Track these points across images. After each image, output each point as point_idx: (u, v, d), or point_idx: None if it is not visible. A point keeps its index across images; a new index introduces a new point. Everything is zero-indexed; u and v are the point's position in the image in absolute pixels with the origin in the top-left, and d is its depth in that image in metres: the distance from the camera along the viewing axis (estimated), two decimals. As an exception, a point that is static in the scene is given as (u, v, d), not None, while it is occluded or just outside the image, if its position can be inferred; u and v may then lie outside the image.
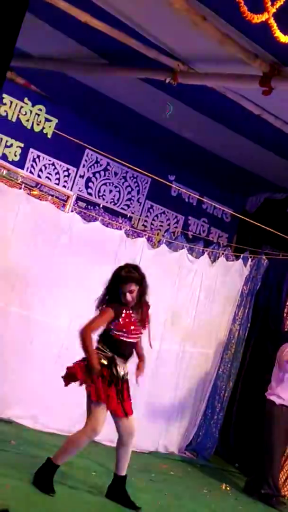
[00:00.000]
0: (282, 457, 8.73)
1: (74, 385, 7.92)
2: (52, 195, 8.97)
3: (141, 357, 6.62)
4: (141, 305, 6.44)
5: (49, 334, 8.24)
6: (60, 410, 8.19)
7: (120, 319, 6.32)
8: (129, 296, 6.32)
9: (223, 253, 9.80)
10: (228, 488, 8.58)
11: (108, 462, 7.04)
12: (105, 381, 6.21)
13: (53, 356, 8.23)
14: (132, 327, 6.38)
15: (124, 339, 6.35)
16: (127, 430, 6.39)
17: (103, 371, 6.21)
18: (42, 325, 8.21)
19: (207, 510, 7.39)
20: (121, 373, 6.30)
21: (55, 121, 9.44)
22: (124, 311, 6.36)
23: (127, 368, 6.39)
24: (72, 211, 8.88)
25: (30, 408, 8.14)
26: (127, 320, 6.35)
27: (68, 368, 6.38)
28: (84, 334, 6.19)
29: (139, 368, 6.55)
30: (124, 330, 6.33)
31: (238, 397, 10.34)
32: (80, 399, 7.75)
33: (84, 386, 6.27)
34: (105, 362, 6.24)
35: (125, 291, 6.32)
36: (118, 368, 6.28)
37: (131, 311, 6.40)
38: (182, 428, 9.56)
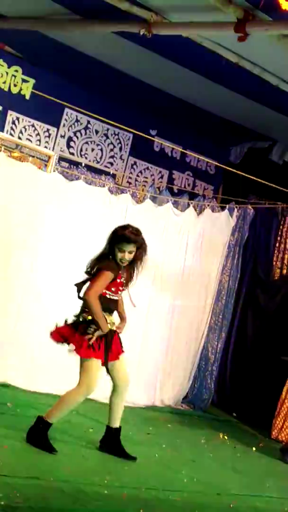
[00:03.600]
0: None
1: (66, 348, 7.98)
2: (33, 156, 8.88)
3: (123, 319, 6.61)
4: (132, 267, 6.40)
5: (39, 295, 8.23)
6: (56, 370, 8.21)
7: (117, 280, 6.30)
8: (127, 256, 6.26)
9: (208, 205, 9.77)
10: (226, 437, 8.66)
11: (104, 419, 7.08)
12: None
13: (44, 316, 8.23)
14: (120, 288, 6.37)
15: (111, 297, 6.33)
16: (121, 375, 6.45)
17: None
18: (30, 286, 8.20)
19: (206, 460, 7.46)
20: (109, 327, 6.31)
21: (32, 81, 9.34)
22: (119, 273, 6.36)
23: (113, 319, 6.40)
24: (54, 171, 8.81)
25: (25, 370, 8.15)
26: (118, 280, 6.34)
27: (58, 331, 6.37)
28: (93, 299, 6.14)
29: (119, 328, 6.52)
30: (113, 289, 6.32)
31: (232, 347, 10.41)
32: (75, 359, 7.79)
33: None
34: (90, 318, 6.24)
35: (125, 250, 6.25)
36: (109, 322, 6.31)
37: (121, 271, 6.38)
38: (177, 381, 9.62)
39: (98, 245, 8.41)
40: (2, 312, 8.08)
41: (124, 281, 6.41)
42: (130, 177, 10.61)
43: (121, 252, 6.25)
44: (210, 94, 9.31)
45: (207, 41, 7.27)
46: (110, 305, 6.35)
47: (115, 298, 6.38)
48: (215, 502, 6.02)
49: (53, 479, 5.39)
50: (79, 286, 6.32)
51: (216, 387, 9.98)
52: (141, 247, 6.33)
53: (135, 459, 6.47)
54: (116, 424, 6.55)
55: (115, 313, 6.50)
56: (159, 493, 5.78)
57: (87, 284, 6.29)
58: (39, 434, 6.13)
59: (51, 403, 7.66)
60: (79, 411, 7.70)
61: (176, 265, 9.38)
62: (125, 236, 6.25)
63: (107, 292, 6.29)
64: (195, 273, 9.56)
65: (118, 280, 6.32)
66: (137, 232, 6.33)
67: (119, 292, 6.41)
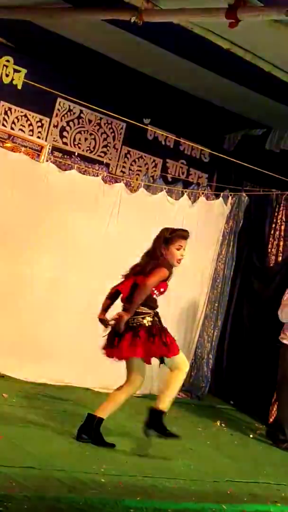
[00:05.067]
0: None
1: (63, 336, 8.01)
2: (26, 147, 8.86)
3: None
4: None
5: (32, 286, 8.22)
6: (51, 361, 8.23)
7: (167, 282, 6.40)
8: (179, 254, 6.38)
9: (202, 193, 9.76)
10: (223, 425, 8.68)
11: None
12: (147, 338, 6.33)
13: (39, 307, 8.23)
14: (166, 289, 6.48)
15: (156, 297, 6.44)
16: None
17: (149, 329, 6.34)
18: (24, 276, 8.18)
19: (203, 447, 7.47)
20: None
21: (24, 71, 9.29)
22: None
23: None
24: (47, 161, 8.78)
25: (21, 361, 8.15)
26: (167, 282, 6.44)
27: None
28: (147, 291, 6.23)
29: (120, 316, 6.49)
30: (162, 290, 6.44)
31: (228, 335, 10.41)
32: (71, 348, 7.85)
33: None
34: (150, 319, 6.35)
35: (179, 248, 6.37)
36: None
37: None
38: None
39: (92, 235, 8.46)
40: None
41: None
42: (123, 166, 10.58)
43: (179, 250, 6.36)
44: (203, 82, 9.29)
45: (198, 27, 7.24)
46: (153, 304, 6.43)
47: (156, 298, 6.44)
48: (212, 489, 6.02)
49: (49, 468, 5.38)
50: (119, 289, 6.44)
51: (212, 375, 9.97)
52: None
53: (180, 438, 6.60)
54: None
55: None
56: (156, 481, 5.78)
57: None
58: (95, 431, 6.26)
59: (47, 392, 7.73)
60: (75, 400, 7.73)
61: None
62: (183, 234, 6.42)
63: (155, 291, 6.37)
64: (189, 261, 9.51)
65: (167, 282, 6.40)
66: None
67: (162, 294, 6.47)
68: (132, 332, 6.26)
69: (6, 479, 4.79)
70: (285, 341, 8.63)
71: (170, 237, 6.40)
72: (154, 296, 6.39)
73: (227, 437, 8.24)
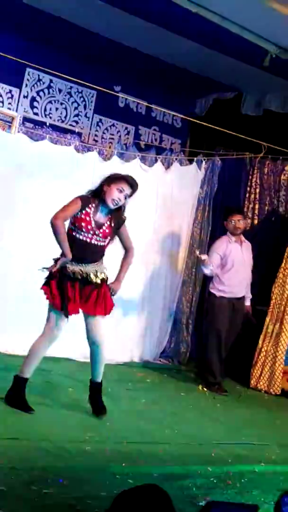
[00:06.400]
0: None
1: (43, 308, 7.99)
2: (-4, 118, 8.79)
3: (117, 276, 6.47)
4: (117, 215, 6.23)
5: (8, 258, 8.19)
6: (33, 332, 8.21)
7: (83, 212, 6.10)
8: (116, 196, 6.11)
9: (176, 159, 9.73)
10: (205, 389, 8.72)
11: (83, 378, 7.10)
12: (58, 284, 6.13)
13: (16, 280, 8.21)
14: (89, 227, 6.13)
15: (83, 238, 6.14)
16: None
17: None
18: (1, 249, 8.15)
19: (186, 412, 7.52)
20: (75, 272, 6.14)
21: (-10, 42, 9.17)
22: (91, 205, 6.16)
23: (87, 270, 6.18)
24: (18, 132, 8.70)
25: (1, 334, 8.14)
26: (87, 218, 6.13)
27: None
28: (53, 222, 6.01)
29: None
30: (79, 226, 6.14)
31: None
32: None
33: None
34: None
35: (120, 191, 6.13)
36: (69, 268, 6.12)
37: (99, 212, 6.18)
38: (154, 336, 9.67)
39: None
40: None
41: (103, 228, 6.19)
42: (96, 135, 10.52)
43: (120, 193, 6.15)
44: (172, 46, 9.18)
45: (165, -9, 7.18)
46: (78, 248, 6.16)
47: (86, 240, 6.18)
48: (197, 452, 6.07)
49: (34, 439, 5.41)
50: None
51: (192, 340, 10.01)
52: (132, 193, 6.29)
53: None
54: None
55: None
56: (141, 446, 5.82)
57: None
58: (17, 393, 6.15)
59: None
60: (58, 371, 7.74)
61: (147, 221, 9.32)
62: (127, 178, 6.26)
63: (76, 230, 6.15)
64: (165, 228, 9.55)
65: (87, 218, 6.15)
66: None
67: (92, 235, 6.17)
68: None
69: (-9, 451, 4.82)
70: (212, 291, 8.86)
71: (115, 177, 6.23)
72: (79, 237, 6.14)
73: (209, 401, 8.29)
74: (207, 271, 8.81)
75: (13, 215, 8.21)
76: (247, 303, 9.08)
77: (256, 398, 8.83)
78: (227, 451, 6.19)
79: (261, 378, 9.22)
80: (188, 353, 9.93)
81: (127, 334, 9.23)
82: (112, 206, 6.16)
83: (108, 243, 6.29)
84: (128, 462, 5.28)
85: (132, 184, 6.21)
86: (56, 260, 6.12)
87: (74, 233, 6.14)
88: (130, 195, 6.23)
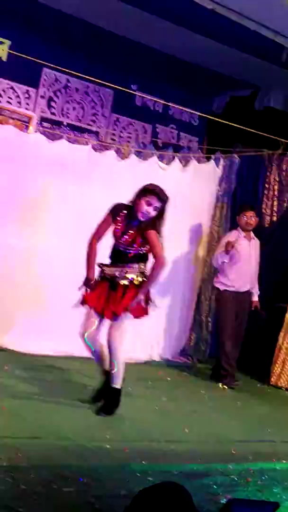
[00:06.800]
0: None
1: (62, 306, 8.03)
2: (14, 118, 8.80)
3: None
4: (152, 225, 6.34)
5: (28, 258, 8.21)
6: (52, 332, 8.25)
7: (115, 220, 6.34)
8: (146, 207, 6.24)
9: (194, 157, 9.70)
10: (225, 387, 8.70)
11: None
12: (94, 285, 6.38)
13: (38, 281, 8.23)
14: (118, 234, 6.35)
15: (116, 247, 6.39)
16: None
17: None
18: (21, 250, 8.16)
19: (206, 410, 7.49)
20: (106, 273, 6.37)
21: (7, 42, 9.23)
22: (122, 213, 6.35)
23: (119, 272, 6.35)
24: (36, 132, 8.71)
25: (21, 334, 8.16)
26: (118, 225, 6.34)
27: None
28: (87, 243, 6.40)
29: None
30: (112, 232, 6.38)
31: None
32: (71, 319, 7.81)
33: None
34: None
35: (148, 204, 6.25)
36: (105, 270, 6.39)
37: (128, 221, 6.35)
38: (173, 334, 9.65)
39: (85, 203, 8.42)
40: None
41: (135, 236, 6.36)
42: (113, 134, 10.54)
43: (148, 206, 6.26)
44: (189, 44, 9.21)
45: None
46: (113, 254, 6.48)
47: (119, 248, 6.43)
48: (217, 450, 6.06)
49: (54, 437, 5.42)
50: None
51: (213, 337, 9.99)
52: (163, 204, 6.40)
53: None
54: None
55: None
56: (161, 445, 5.82)
57: None
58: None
59: (48, 363, 7.75)
60: (78, 369, 7.76)
61: (166, 219, 9.29)
62: (145, 188, 6.36)
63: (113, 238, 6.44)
64: (185, 225, 9.53)
65: (120, 225, 6.38)
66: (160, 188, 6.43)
67: (125, 242, 6.40)
68: None
69: (12, 450, 4.82)
70: (217, 285, 9.00)
71: (144, 190, 6.33)
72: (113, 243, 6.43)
73: (230, 399, 8.27)
74: (225, 259, 8.83)
75: (32, 215, 8.21)
76: (255, 298, 9.11)
77: (276, 395, 8.80)
78: (248, 449, 6.17)
79: (282, 375, 9.19)
80: (208, 350, 9.91)
81: (146, 333, 9.21)
82: (141, 218, 6.30)
83: (138, 250, 6.38)
84: (148, 460, 5.27)
85: (162, 197, 6.31)
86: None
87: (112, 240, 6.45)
88: (161, 208, 6.32)
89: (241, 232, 8.97)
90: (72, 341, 8.27)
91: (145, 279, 6.36)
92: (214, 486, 4.95)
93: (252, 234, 9.04)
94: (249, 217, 8.94)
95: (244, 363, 9.67)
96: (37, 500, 4.13)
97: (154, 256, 6.42)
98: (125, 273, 6.34)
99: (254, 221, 8.99)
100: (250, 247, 8.99)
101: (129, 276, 6.34)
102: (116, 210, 6.39)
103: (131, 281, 6.33)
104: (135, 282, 6.35)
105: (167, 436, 6.10)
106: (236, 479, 5.22)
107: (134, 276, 6.35)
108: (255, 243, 9.09)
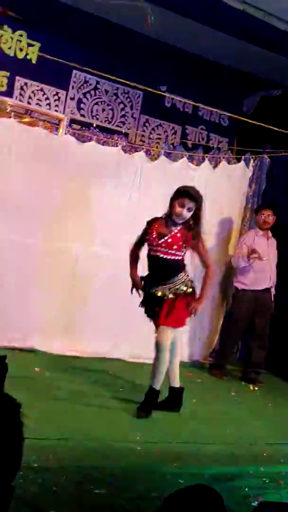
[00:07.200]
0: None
1: (92, 308, 8.04)
2: (44, 121, 8.82)
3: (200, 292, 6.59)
4: (191, 226, 6.36)
5: (58, 259, 8.22)
6: (81, 333, 8.26)
7: (152, 229, 6.37)
8: (179, 209, 6.24)
9: (224, 158, 9.67)
10: (256, 389, 8.67)
11: (133, 378, 7.12)
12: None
13: (63, 281, 8.24)
14: (153, 238, 6.35)
15: (153, 253, 6.39)
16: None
17: None
18: (48, 251, 8.17)
19: (237, 412, 7.47)
20: (153, 291, 6.39)
21: (37, 45, 9.19)
22: (158, 221, 6.39)
23: (164, 288, 6.38)
24: (65, 134, 8.73)
25: (51, 335, 8.17)
26: (153, 232, 6.36)
27: None
28: (129, 253, 6.56)
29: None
30: (153, 243, 6.38)
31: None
32: (100, 320, 7.86)
33: None
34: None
35: (181, 206, 6.26)
36: (150, 287, 6.43)
37: (169, 225, 6.35)
38: (203, 336, 9.61)
39: (115, 205, 8.43)
40: (19, 280, 8.05)
41: (177, 241, 6.40)
42: (143, 135, 10.52)
43: (182, 207, 6.27)
44: (217, 44, 9.19)
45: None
46: (153, 265, 6.51)
47: (161, 256, 6.41)
48: (248, 451, 6.04)
49: (84, 439, 5.42)
50: None
51: (243, 339, 9.94)
52: (198, 204, 6.40)
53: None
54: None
55: None
56: (192, 446, 5.81)
57: None
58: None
59: (77, 365, 7.76)
60: (108, 371, 7.77)
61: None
62: (178, 190, 6.40)
63: (150, 247, 6.51)
64: (214, 227, 9.49)
65: (156, 232, 6.42)
66: (194, 189, 6.47)
67: (164, 249, 6.41)
68: None
69: (42, 451, 4.82)
70: (236, 285, 9.13)
71: (177, 192, 6.36)
72: (150, 252, 6.45)
73: (261, 401, 8.23)
74: (245, 264, 8.91)
75: (62, 217, 8.22)
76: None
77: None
78: (279, 451, 6.15)
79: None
80: (238, 352, 9.87)
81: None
82: (178, 221, 6.32)
83: (175, 256, 6.37)
84: (179, 463, 5.26)
85: (194, 198, 6.30)
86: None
87: (148, 251, 6.47)
88: (196, 209, 6.33)
89: (259, 231, 9.09)
90: (102, 343, 8.32)
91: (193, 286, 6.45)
92: (246, 489, 4.93)
93: (269, 233, 9.13)
94: (267, 216, 9.05)
95: (274, 364, 9.62)
96: (68, 502, 4.13)
97: (204, 266, 6.61)
98: (176, 289, 6.38)
99: (271, 220, 9.09)
100: (267, 246, 9.04)
101: (178, 289, 6.39)
102: (152, 220, 6.46)
103: (180, 293, 6.39)
104: (186, 292, 6.40)
105: (198, 438, 6.09)
106: (267, 481, 5.20)
107: (184, 288, 6.39)
108: (272, 242, 9.18)
